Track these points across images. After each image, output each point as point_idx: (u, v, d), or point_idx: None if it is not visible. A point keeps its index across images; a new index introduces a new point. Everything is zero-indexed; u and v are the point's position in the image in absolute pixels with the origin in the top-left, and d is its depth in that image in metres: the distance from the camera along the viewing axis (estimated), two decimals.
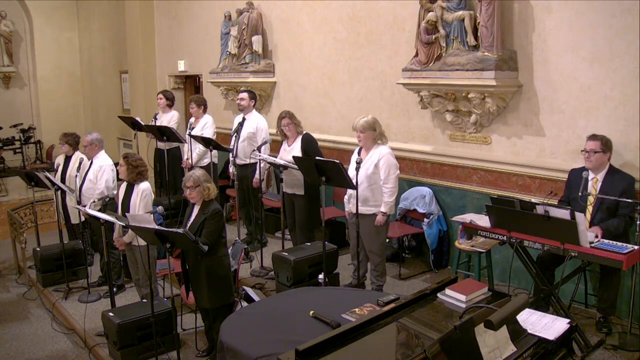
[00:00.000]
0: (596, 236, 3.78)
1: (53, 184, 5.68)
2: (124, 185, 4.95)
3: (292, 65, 7.33)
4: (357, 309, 3.07)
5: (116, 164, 5.41)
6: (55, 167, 6.57)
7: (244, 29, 7.55)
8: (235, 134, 6.24)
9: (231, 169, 6.43)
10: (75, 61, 13.70)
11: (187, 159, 6.76)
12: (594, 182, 4.12)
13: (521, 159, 4.95)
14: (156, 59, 10.31)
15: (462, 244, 4.64)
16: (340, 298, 3.48)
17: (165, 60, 10.12)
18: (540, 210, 3.66)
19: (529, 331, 2.47)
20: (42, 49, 13.26)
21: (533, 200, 4.08)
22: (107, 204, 5.19)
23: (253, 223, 6.34)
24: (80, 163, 5.83)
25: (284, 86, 7.53)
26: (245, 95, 6.34)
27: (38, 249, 6.17)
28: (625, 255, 3.48)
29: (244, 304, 4.45)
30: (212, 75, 8.31)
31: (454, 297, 2.86)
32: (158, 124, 7.16)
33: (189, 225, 4.26)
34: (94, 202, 5.19)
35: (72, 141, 6.23)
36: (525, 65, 4.78)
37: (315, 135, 5.88)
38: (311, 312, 3.07)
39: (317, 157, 4.94)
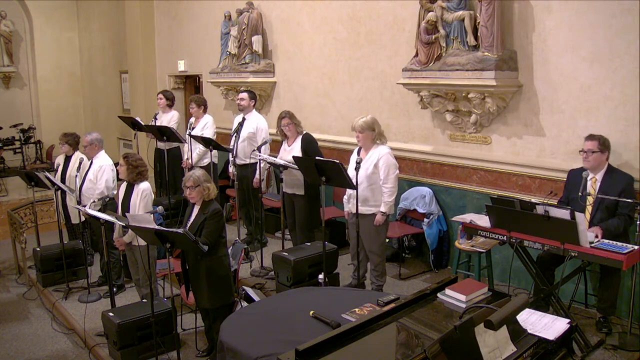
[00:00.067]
0: (596, 236, 3.78)
1: (53, 184, 5.68)
2: (124, 185, 4.95)
3: (292, 65, 7.33)
4: (357, 309, 3.07)
5: (116, 164, 5.41)
6: (55, 167, 6.57)
7: (244, 29, 7.55)
8: (235, 134, 6.24)
9: (231, 169, 6.43)
10: (75, 61, 13.70)
11: (187, 159, 6.76)
12: (593, 182, 4.12)
13: (521, 159, 4.95)
14: (156, 59, 10.31)
15: (462, 244, 4.64)
16: (340, 298, 3.47)
17: (165, 60, 10.11)
18: (540, 210, 3.66)
19: (529, 331, 2.47)
20: (42, 49, 13.26)
21: (533, 200, 4.08)
22: (107, 204, 5.19)
23: (253, 223, 6.34)
24: (80, 163, 5.83)
25: (284, 86, 7.53)
26: (245, 95, 6.34)
27: (38, 249, 6.17)
28: (625, 255, 3.48)
29: (244, 304, 4.45)
30: (212, 75, 8.31)
31: (454, 297, 2.86)
32: (158, 124, 7.16)
33: (189, 225, 4.26)
34: (94, 202, 5.19)
35: (72, 141, 6.23)
36: (525, 65, 4.78)
37: (315, 135, 5.87)
38: (311, 312, 3.07)
39: (317, 157, 4.94)
